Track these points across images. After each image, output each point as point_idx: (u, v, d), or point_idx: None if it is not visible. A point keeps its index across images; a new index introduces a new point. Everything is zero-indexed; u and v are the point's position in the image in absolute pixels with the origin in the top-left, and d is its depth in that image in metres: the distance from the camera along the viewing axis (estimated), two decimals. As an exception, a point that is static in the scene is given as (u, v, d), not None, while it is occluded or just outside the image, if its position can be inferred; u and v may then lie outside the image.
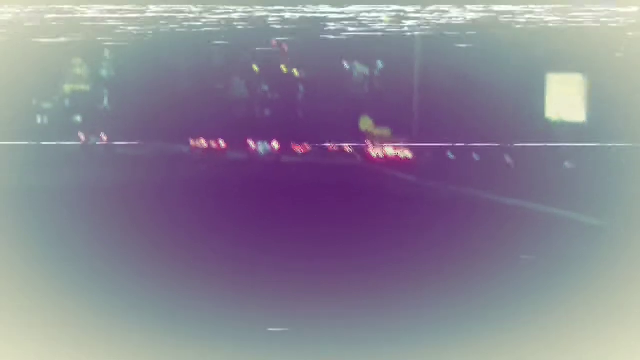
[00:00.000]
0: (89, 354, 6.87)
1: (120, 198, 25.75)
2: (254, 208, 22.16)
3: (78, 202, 23.48)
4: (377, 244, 14.64)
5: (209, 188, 33.57)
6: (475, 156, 64.02)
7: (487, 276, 11.34)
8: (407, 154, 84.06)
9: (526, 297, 9.71)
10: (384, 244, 14.64)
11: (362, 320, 8.20)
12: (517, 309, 9.04)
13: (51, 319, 7.81)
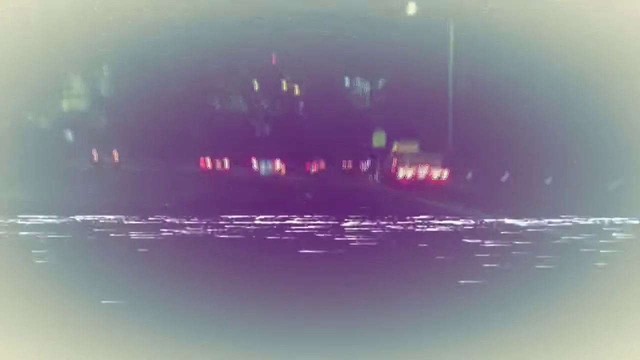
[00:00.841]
0: (89, 354, 6.88)
1: (123, 205, 25.81)
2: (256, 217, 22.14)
3: (82, 208, 23.53)
4: (377, 244, 14.65)
5: (210, 202, 33.50)
6: (548, 180, 45.97)
7: (488, 276, 11.36)
8: (443, 174, 63.51)
9: (526, 298, 9.72)
10: (384, 244, 14.65)
11: (362, 320, 8.21)
12: (517, 309, 9.04)
13: (51, 319, 7.81)
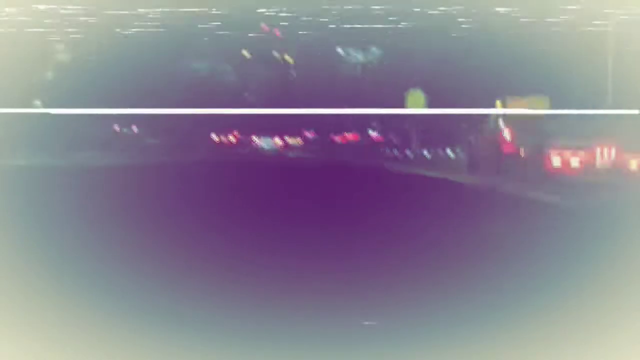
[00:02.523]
0: (89, 354, 6.89)
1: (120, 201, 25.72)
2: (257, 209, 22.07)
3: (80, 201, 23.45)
4: (377, 244, 14.62)
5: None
6: None
7: (487, 276, 11.33)
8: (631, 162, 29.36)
9: (526, 297, 9.70)
10: (385, 244, 14.62)
11: (362, 320, 8.22)
12: (517, 309, 9.04)
13: (51, 319, 7.81)
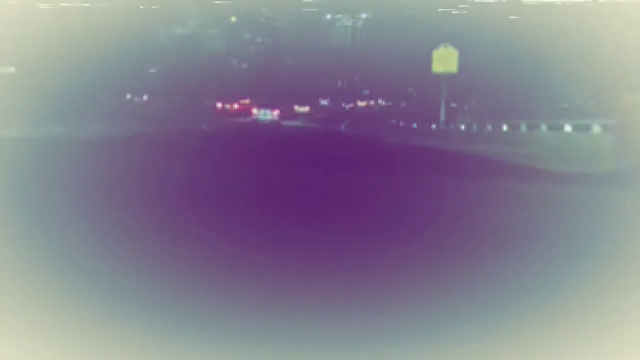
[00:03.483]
0: (89, 354, 6.89)
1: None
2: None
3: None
4: (378, 243, 14.63)
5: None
6: None
7: (488, 276, 11.35)
8: None
9: (526, 298, 9.71)
10: (385, 243, 14.63)
11: (363, 320, 8.22)
12: (517, 309, 9.04)
13: (51, 319, 7.82)
